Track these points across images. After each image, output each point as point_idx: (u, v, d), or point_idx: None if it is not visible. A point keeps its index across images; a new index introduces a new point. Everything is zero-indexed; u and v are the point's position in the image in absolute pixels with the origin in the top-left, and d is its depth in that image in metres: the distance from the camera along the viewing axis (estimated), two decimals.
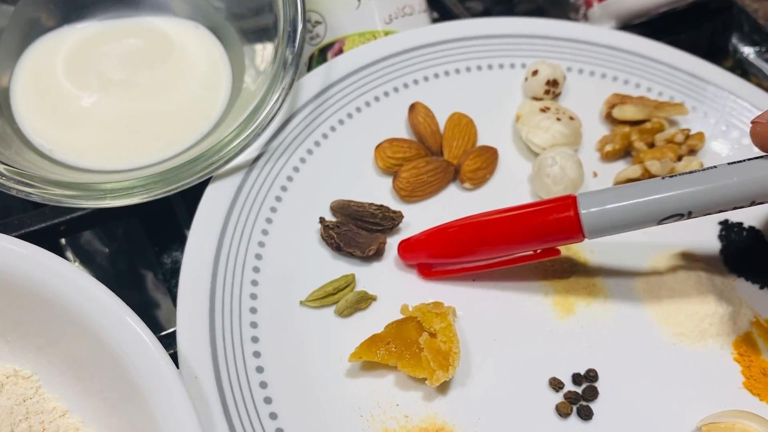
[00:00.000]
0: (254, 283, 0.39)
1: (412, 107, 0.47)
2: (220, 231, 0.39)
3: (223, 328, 0.36)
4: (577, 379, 0.38)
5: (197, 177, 0.39)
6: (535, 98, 0.50)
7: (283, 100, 0.41)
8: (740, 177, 0.34)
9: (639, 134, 0.48)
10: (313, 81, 0.46)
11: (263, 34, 0.47)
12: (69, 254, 0.50)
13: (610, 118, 0.50)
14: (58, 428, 0.32)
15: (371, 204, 0.42)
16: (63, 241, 0.50)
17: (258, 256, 0.40)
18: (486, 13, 0.69)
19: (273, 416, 0.35)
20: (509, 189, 0.46)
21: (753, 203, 0.34)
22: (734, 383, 0.40)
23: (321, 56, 0.53)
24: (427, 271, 0.41)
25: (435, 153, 0.47)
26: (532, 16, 0.69)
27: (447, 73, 0.50)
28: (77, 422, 0.33)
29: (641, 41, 0.53)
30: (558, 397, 0.38)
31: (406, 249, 0.41)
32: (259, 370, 0.36)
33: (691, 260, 0.44)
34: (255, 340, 0.37)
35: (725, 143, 0.49)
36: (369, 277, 0.41)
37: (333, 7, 0.52)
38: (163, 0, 0.50)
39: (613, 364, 0.39)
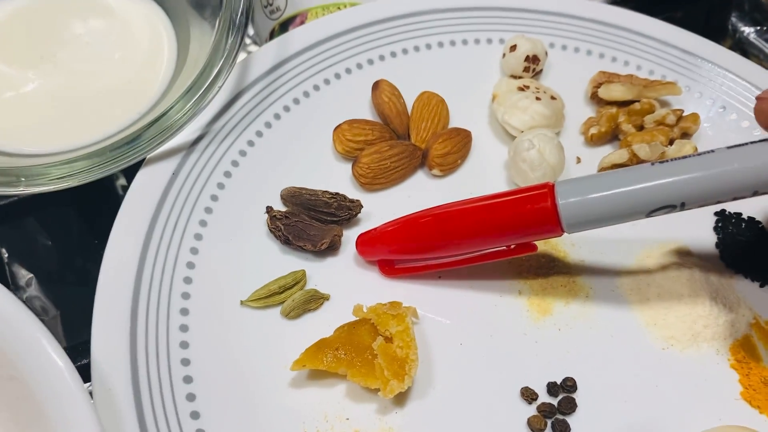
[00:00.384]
0: (187, 280, 0.34)
1: (376, 85, 0.43)
2: (149, 221, 0.35)
3: (146, 333, 0.32)
4: (552, 389, 0.34)
5: (138, 154, 0.35)
6: (514, 76, 0.45)
7: (230, 66, 0.37)
8: (741, 163, 0.30)
9: (627, 116, 0.43)
10: (265, 55, 0.42)
11: (208, 6, 0.42)
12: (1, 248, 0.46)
13: (595, 99, 0.45)
14: None
15: (325, 192, 0.38)
16: None
17: (193, 250, 0.35)
18: None
19: None
20: (482, 176, 0.42)
21: (756, 193, 0.30)
22: (731, 393, 0.35)
23: (282, 32, 0.48)
24: (389, 269, 0.37)
25: (401, 136, 0.43)
26: None
27: (417, 49, 0.45)
28: None
29: (630, 15, 0.48)
30: (531, 410, 0.33)
31: (366, 243, 0.37)
32: (187, 380, 0.31)
33: (683, 255, 0.39)
34: (184, 345, 0.32)
35: (722, 126, 0.45)
36: (321, 273, 0.37)
37: None
38: None
39: (593, 371, 0.35)
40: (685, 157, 0.31)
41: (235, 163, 0.38)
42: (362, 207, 0.38)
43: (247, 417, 0.31)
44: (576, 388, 0.34)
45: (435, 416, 0.33)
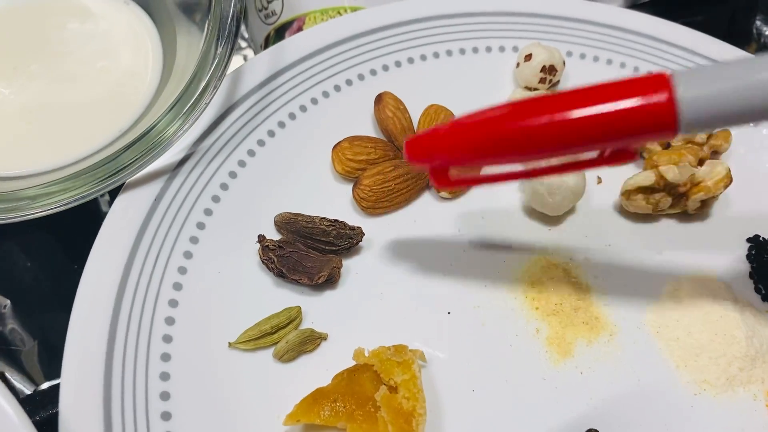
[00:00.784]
0: (169, 321, 0.31)
1: (380, 98, 0.39)
2: (127, 255, 0.31)
3: (122, 382, 0.28)
4: None
5: (119, 177, 0.32)
6: (528, 88, 0.42)
7: (221, 76, 0.33)
8: None
9: None
10: (258, 66, 0.38)
11: (197, 9, 0.39)
12: None
13: None
14: None
15: (323, 219, 0.34)
16: None
17: (177, 286, 0.32)
18: None
19: None
20: (495, 197, 0.39)
21: None
22: None
23: (278, 37, 0.45)
24: (443, 179, 0.30)
25: None
26: None
27: (423, 58, 0.42)
28: None
29: (653, 21, 0.45)
30: None
31: (418, 145, 0.29)
32: None
33: (714, 287, 0.36)
34: (165, 396, 0.29)
35: (754, 142, 0.41)
36: (319, 309, 0.33)
37: None
38: None
39: (619, 421, 0.32)
40: None
41: (224, 186, 0.35)
42: (364, 235, 0.35)
43: None
44: None
45: None
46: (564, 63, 0.41)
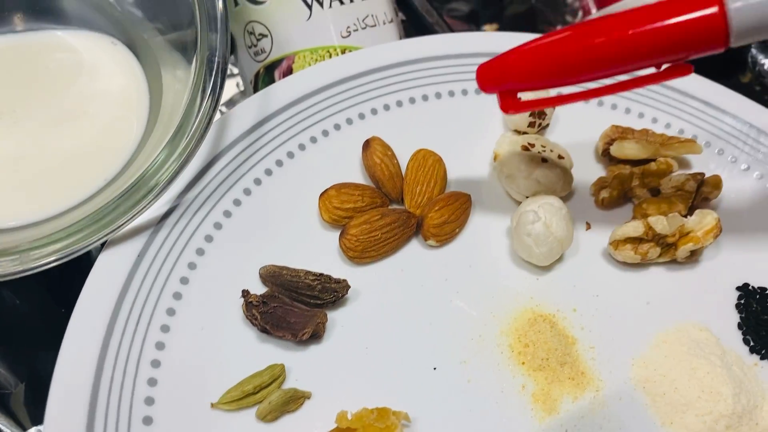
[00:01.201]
0: (152, 382, 0.31)
1: (367, 144, 0.39)
2: (110, 316, 0.31)
3: None
4: None
5: (102, 233, 0.31)
6: (518, 131, 0.41)
7: (209, 117, 0.33)
8: None
9: (641, 178, 0.40)
10: (244, 113, 0.38)
11: (184, 50, 0.38)
12: None
13: (607, 155, 0.41)
14: None
15: (308, 273, 0.34)
16: None
17: (159, 346, 0.31)
18: (472, 15, 0.60)
19: None
20: (484, 244, 0.38)
21: None
22: None
23: (268, 75, 0.45)
24: (512, 102, 0.32)
25: (394, 200, 0.39)
26: (523, 18, 0.61)
27: (412, 101, 0.41)
28: None
29: None
30: None
31: (490, 70, 0.32)
32: None
33: (702, 339, 0.36)
34: None
35: (746, 188, 0.41)
36: (303, 365, 0.33)
37: (279, 16, 0.43)
38: (75, 10, 0.42)
39: None
40: None
41: (209, 238, 0.35)
42: (349, 287, 0.35)
43: None
44: None
45: None
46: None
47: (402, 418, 0.31)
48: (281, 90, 0.39)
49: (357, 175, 0.39)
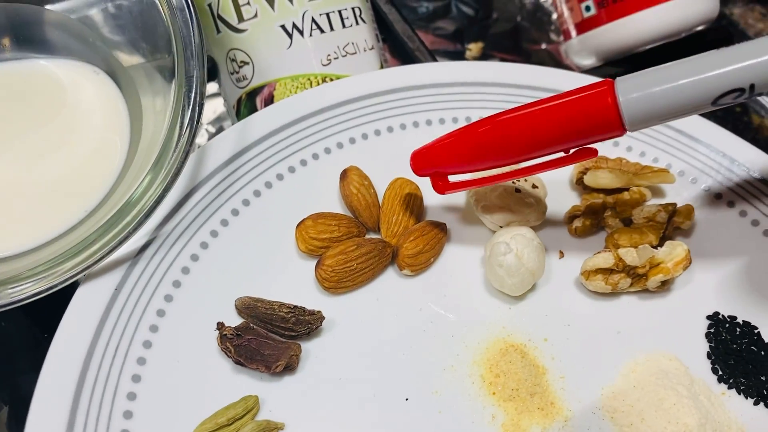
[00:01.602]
0: (128, 415, 0.31)
1: (345, 174, 0.40)
2: (87, 348, 0.32)
3: None
4: None
5: (81, 267, 0.32)
6: None
7: (190, 141, 0.34)
8: None
9: (613, 207, 0.40)
10: (222, 145, 0.39)
11: (163, 78, 0.39)
12: None
13: (581, 184, 0.42)
14: None
15: (282, 305, 0.35)
16: None
17: (136, 378, 0.32)
18: (457, 34, 0.61)
19: None
20: (458, 273, 0.39)
21: None
22: None
23: (250, 101, 0.45)
24: (442, 185, 0.36)
25: (371, 229, 0.40)
26: (508, 37, 0.62)
27: (390, 129, 0.42)
28: None
29: None
30: None
31: (420, 158, 0.36)
32: None
33: (671, 369, 0.36)
34: None
35: (717, 217, 0.42)
36: (277, 397, 0.34)
37: (260, 45, 0.44)
38: (59, 39, 0.42)
39: None
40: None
41: (186, 270, 0.36)
42: (323, 319, 0.35)
43: None
44: None
45: None
46: None
47: None
48: (259, 122, 0.40)
49: (335, 204, 0.40)
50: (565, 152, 0.33)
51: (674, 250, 0.38)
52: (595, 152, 0.33)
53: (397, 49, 0.52)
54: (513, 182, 0.40)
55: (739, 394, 0.37)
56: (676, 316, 0.39)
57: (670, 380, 0.36)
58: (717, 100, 0.29)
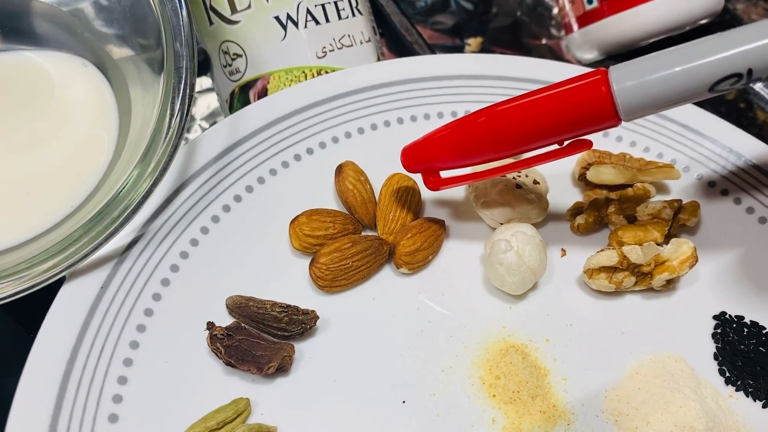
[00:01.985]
0: (113, 419, 0.30)
1: (340, 169, 0.38)
2: (70, 351, 0.30)
3: None
4: None
5: (67, 264, 0.31)
6: None
7: (178, 133, 0.33)
8: None
9: (617, 204, 0.39)
10: (213, 138, 0.37)
11: (152, 70, 0.38)
12: None
13: (584, 180, 0.41)
14: None
15: (275, 304, 0.34)
16: None
17: (121, 380, 0.31)
18: (456, 28, 0.60)
19: None
20: (457, 272, 0.38)
21: None
22: None
23: (243, 95, 0.44)
24: (434, 181, 0.35)
25: (368, 226, 0.38)
26: (508, 32, 0.60)
27: (387, 124, 0.41)
28: None
29: None
30: None
31: (412, 153, 0.35)
32: None
33: (676, 370, 0.35)
34: None
35: (724, 213, 0.41)
36: (269, 399, 0.33)
37: (254, 36, 0.43)
38: (46, 31, 0.41)
39: None
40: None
41: (174, 268, 0.34)
42: (318, 318, 0.34)
43: None
44: None
45: None
46: None
47: None
48: (251, 115, 0.39)
49: (330, 200, 0.39)
50: (559, 144, 0.32)
51: (680, 247, 0.36)
52: (589, 144, 0.32)
53: (395, 43, 0.51)
54: (514, 177, 0.38)
55: (747, 396, 0.35)
56: (682, 315, 0.37)
57: (676, 382, 0.35)
58: (714, 86, 0.28)
